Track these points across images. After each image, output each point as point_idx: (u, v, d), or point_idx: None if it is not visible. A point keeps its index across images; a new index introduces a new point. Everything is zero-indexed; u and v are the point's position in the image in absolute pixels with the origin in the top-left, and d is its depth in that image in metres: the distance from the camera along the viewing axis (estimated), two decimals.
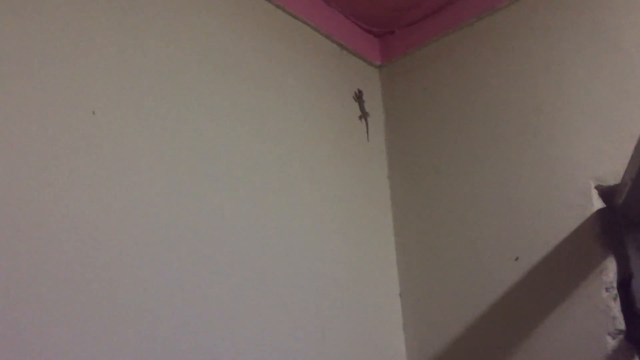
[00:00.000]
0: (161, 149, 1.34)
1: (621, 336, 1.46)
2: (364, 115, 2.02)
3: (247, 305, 1.41)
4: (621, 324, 1.47)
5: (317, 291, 1.61)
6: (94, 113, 1.21)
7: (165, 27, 1.45)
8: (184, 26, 1.50)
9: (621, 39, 1.61)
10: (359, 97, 2.03)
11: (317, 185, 1.75)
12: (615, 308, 1.48)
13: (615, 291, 1.49)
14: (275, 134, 1.66)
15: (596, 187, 1.57)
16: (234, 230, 1.45)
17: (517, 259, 1.66)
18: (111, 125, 1.25)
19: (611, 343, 1.46)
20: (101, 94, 1.25)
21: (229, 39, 1.62)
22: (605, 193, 1.56)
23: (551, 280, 1.59)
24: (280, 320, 1.48)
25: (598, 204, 1.56)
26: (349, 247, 1.78)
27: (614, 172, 1.52)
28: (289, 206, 1.63)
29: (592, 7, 1.68)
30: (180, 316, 1.26)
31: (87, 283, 1.12)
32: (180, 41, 1.48)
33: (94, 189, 1.18)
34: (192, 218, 1.35)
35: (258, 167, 1.57)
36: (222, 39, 1.60)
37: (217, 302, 1.35)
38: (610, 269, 1.51)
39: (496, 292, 1.68)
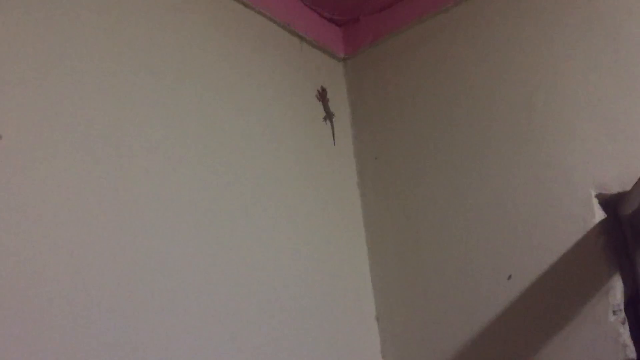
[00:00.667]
0: (86, 176, 1.24)
1: None
2: (328, 115, 1.94)
3: (202, 342, 1.33)
4: (632, 353, 1.39)
5: (281, 318, 1.54)
6: (1, 137, 1.12)
7: (90, 23, 1.33)
8: (113, 20, 1.38)
9: (622, 28, 1.55)
10: (322, 95, 1.95)
11: (278, 196, 1.67)
12: (625, 334, 1.41)
13: (624, 314, 1.42)
14: (228, 140, 1.58)
15: (597, 196, 1.51)
16: (183, 252, 1.36)
17: (509, 277, 1.59)
18: (21, 151, 1.16)
19: None
20: (10, 115, 1.16)
21: (171, 31, 1.52)
22: (608, 202, 1.50)
23: (549, 302, 1.52)
24: (242, 357, 1.41)
25: (600, 214, 1.50)
26: (316, 267, 1.71)
27: (617, 177, 1.47)
28: (246, 223, 1.54)
29: None
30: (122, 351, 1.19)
31: None
32: (110, 39, 1.36)
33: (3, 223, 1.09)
34: (126, 245, 1.26)
35: (209, 179, 1.49)
36: (163, 32, 1.50)
37: (163, 341, 1.26)
38: (617, 289, 1.44)
39: (485, 315, 1.62)
